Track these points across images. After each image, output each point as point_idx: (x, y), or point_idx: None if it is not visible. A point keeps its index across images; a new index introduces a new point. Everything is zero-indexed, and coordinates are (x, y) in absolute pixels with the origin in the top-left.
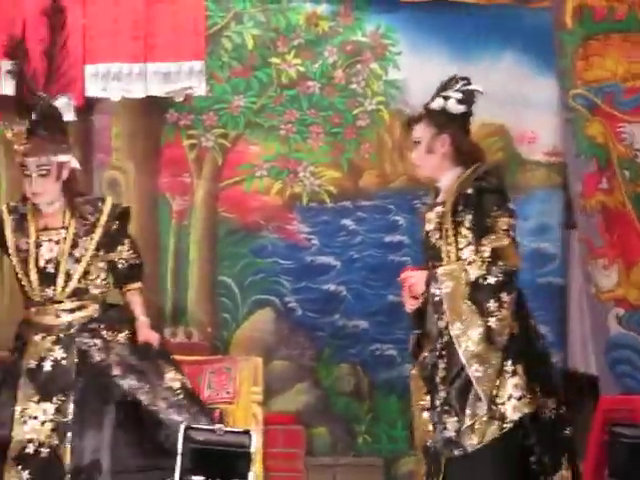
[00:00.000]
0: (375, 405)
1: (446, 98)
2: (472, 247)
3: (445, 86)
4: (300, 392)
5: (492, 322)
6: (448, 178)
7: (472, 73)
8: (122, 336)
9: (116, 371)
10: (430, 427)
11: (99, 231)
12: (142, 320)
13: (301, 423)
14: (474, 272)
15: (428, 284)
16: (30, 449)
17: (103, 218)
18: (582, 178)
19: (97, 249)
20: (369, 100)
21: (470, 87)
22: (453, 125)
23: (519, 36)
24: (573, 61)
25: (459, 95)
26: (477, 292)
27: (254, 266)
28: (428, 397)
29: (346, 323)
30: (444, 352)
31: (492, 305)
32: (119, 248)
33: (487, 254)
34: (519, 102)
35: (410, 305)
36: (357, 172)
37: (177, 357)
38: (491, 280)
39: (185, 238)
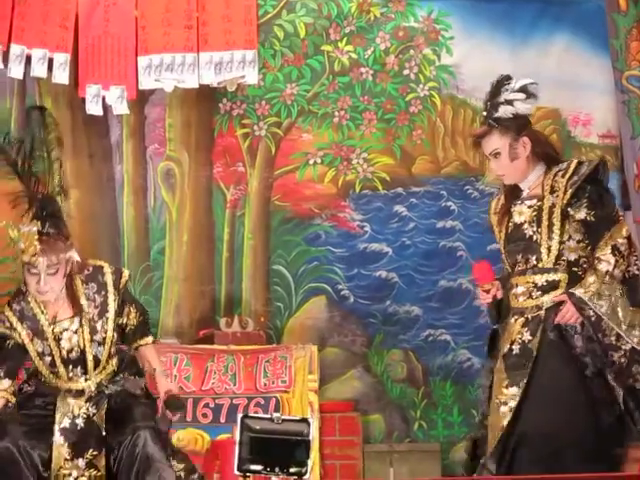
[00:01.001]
0: (430, 391)
1: (510, 102)
2: (576, 242)
3: (497, 92)
4: (353, 379)
5: None
6: (535, 175)
7: (525, 57)
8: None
9: (141, 441)
10: (505, 422)
11: (112, 310)
12: (159, 371)
13: (357, 410)
14: (615, 266)
15: (579, 309)
16: None
17: (111, 296)
18: (637, 160)
19: (113, 327)
20: (421, 86)
21: (524, 82)
22: (526, 125)
23: (572, 19)
24: (627, 42)
25: (521, 95)
26: (628, 282)
27: (307, 254)
28: (508, 391)
29: (398, 309)
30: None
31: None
32: (125, 313)
33: (623, 242)
34: (573, 85)
35: (483, 299)
36: (409, 158)
37: (233, 347)
38: (635, 270)
39: (239, 227)
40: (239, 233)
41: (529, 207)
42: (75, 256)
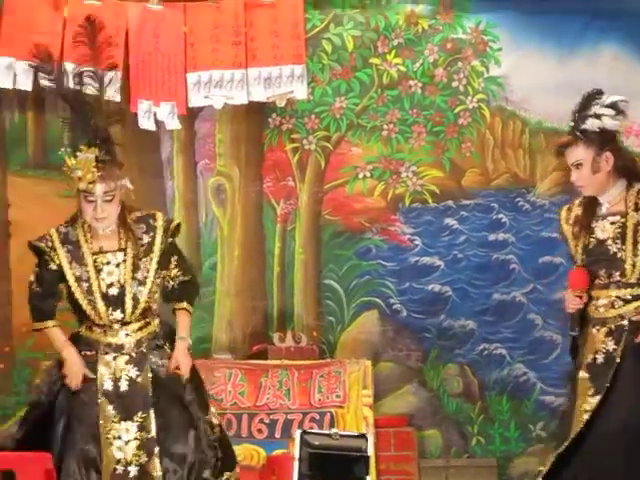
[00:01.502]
0: (486, 406)
1: (598, 117)
2: None
3: (587, 104)
4: (408, 394)
5: None
6: (616, 191)
7: (573, 67)
8: None
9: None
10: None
11: (157, 251)
12: (180, 342)
13: (412, 425)
14: None
15: None
16: (119, 470)
17: (158, 238)
18: None
19: (157, 268)
20: (470, 98)
21: (616, 99)
22: (611, 141)
23: (619, 28)
24: None
25: (611, 111)
26: None
27: (359, 268)
28: (594, 399)
29: (452, 323)
30: None
31: None
32: (170, 266)
33: None
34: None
35: (574, 305)
36: (459, 171)
37: (286, 362)
38: None
39: (290, 242)
40: (290, 247)
41: (612, 224)
42: (128, 184)
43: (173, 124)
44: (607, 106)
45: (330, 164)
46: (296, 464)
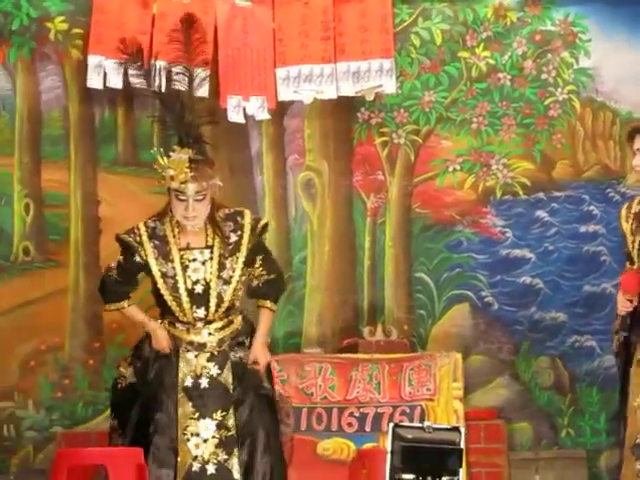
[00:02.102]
0: (577, 398)
1: None
2: None
3: None
4: (500, 386)
5: None
6: None
7: None
8: None
9: (264, 384)
10: None
11: (244, 251)
12: (259, 337)
13: (502, 418)
14: None
15: None
16: (196, 467)
17: (246, 237)
18: None
19: (242, 267)
20: (560, 89)
21: None
22: None
23: None
24: None
25: None
26: None
27: (450, 261)
28: None
29: (543, 316)
30: None
31: None
32: (256, 265)
33: None
34: None
35: (624, 308)
36: (550, 163)
37: (377, 356)
38: None
39: (380, 236)
40: (380, 241)
41: None
42: (218, 182)
43: (263, 115)
44: None
45: (420, 157)
46: (389, 457)
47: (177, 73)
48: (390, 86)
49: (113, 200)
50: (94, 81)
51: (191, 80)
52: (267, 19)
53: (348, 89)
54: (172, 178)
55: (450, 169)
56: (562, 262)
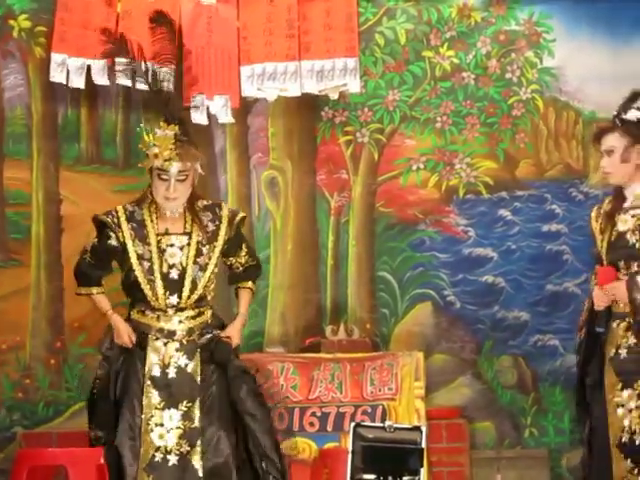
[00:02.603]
0: (540, 397)
1: None
2: None
3: (635, 97)
4: (462, 386)
5: None
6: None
7: (627, 57)
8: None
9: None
10: (626, 423)
11: (221, 241)
12: (241, 317)
13: (464, 417)
14: None
15: (630, 290)
16: (158, 457)
17: (223, 228)
18: None
19: (218, 257)
20: (524, 89)
21: None
22: None
23: None
24: None
25: None
26: None
27: (412, 260)
28: (623, 393)
29: (506, 315)
30: None
31: None
32: (237, 253)
33: None
34: None
35: (602, 302)
36: (513, 162)
37: (339, 355)
38: None
39: (344, 235)
40: (343, 240)
41: (632, 216)
42: (199, 168)
43: (226, 118)
44: None
45: (383, 156)
46: (350, 457)
47: (141, 71)
48: (354, 85)
49: (75, 198)
50: (57, 78)
51: (155, 78)
52: (232, 17)
53: (312, 87)
54: (156, 156)
55: (414, 168)
56: (525, 261)
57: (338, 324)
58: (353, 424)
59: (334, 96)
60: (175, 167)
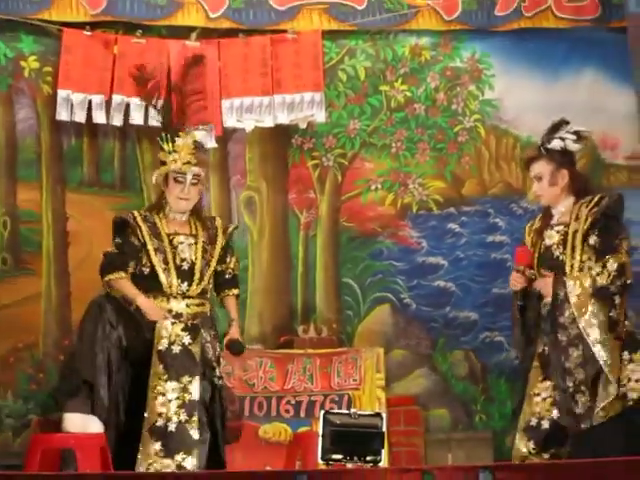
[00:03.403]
0: (488, 387)
1: (563, 139)
2: (593, 261)
3: (555, 128)
4: (419, 377)
5: (612, 315)
6: (565, 205)
7: (558, 89)
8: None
9: (217, 372)
10: (538, 409)
11: (219, 243)
12: (236, 321)
13: (420, 405)
14: (601, 281)
15: (554, 285)
16: (160, 422)
17: (220, 236)
18: None
19: (217, 259)
20: (468, 118)
21: (580, 129)
22: (569, 161)
23: (599, 54)
24: None
25: (574, 136)
26: (601, 296)
27: (372, 268)
28: (541, 384)
29: (457, 315)
30: (576, 341)
31: (610, 306)
32: (227, 260)
33: (613, 268)
34: (601, 112)
35: (517, 283)
36: (459, 182)
37: (310, 351)
38: (613, 289)
39: (312, 246)
40: (312, 251)
41: (557, 232)
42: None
43: (210, 144)
44: (572, 133)
45: (346, 178)
46: (320, 440)
47: (134, 106)
48: (320, 115)
49: (80, 217)
50: (63, 112)
51: (146, 113)
52: (214, 57)
53: (284, 118)
54: (175, 161)
55: (373, 188)
56: (472, 268)
57: (308, 324)
58: (323, 411)
59: (303, 125)
60: (191, 170)
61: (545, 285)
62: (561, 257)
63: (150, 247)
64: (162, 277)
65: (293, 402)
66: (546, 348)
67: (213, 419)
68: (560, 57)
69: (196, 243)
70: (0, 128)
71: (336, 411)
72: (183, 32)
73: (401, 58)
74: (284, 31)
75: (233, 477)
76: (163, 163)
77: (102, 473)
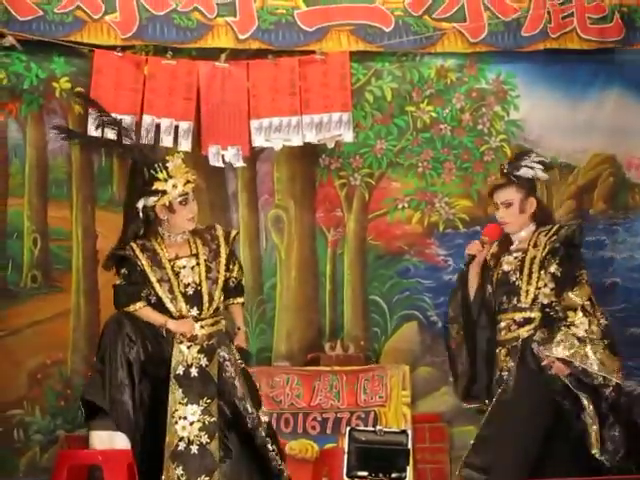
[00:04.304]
0: None
1: (532, 168)
2: (549, 290)
3: (521, 157)
4: (445, 394)
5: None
6: (526, 232)
7: (582, 110)
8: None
9: (239, 393)
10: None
11: (223, 256)
12: (243, 329)
13: (445, 421)
14: (593, 325)
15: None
16: (181, 446)
17: (222, 244)
18: None
19: (225, 270)
20: (493, 138)
21: (543, 159)
22: (535, 190)
23: (623, 75)
24: None
25: (540, 166)
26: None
27: (400, 286)
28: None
29: None
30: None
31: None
32: (231, 268)
33: (588, 303)
34: (626, 133)
35: (472, 247)
36: (485, 201)
37: (336, 368)
38: (595, 328)
39: (339, 264)
40: (339, 269)
41: (515, 258)
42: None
43: (239, 163)
44: (537, 162)
45: (373, 197)
46: (346, 457)
47: (164, 127)
48: (348, 135)
49: (109, 234)
50: (93, 132)
51: (176, 133)
52: (242, 78)
53: (312, 138)
54: (175, 186)
55: (399, 207)
56: None
57: (335, 341)
58: (348, 428)
59: (330, 145)
60: (190, 187)
61: (558, 368)
62: (517, 283)
63: (153, 279)
64: (170, 306)
65: (319, 419)
66: (503, 373)
67: (246, 439)
68: (584, 78)
69: (198, 264)
70: (32, 147)
71: (362, 428)
72: (213, 53)
73: (427, 80)
74: (312, 52)
75: None
76: (160, 192)
77: None
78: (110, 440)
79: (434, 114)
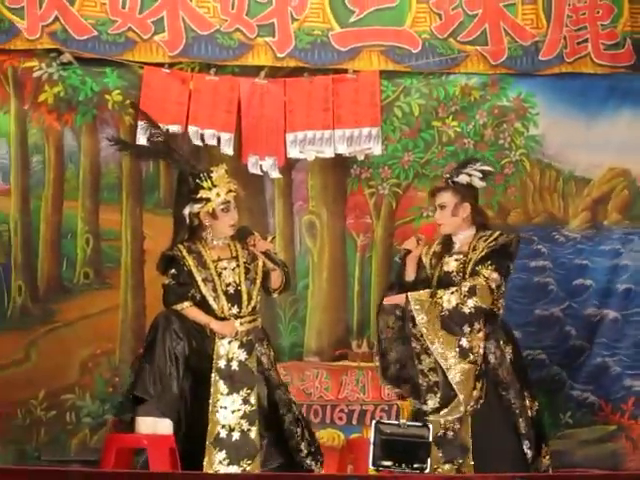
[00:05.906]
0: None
1: (470, 175)
2: None
3: (465, 164)
4: None
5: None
6: (465, 235)
7: (598, 127)
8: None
9: (274, 381)
10: None
11: (260, 258)
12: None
13: None
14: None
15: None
16: (223, 434)
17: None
18: None
19: (262, 271)
20: (514, 152)
21: (486, 168)
22: (472, 196)
23: (636, 96)
24: None
25: (479, 174)
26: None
27: None
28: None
29: None
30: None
31: (466, 329)
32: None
33: (465, 289)
34: (639, 148)
35: (407, 243)
36: (505, 211)
37: (362, 364)
38: (465, 310)
39: (367, 267)
40: (367, 271)
41: (456, 260)
42: None
43: (275, 174)
44: (478, 170)
45: (400, 205)
46: (371, 448)
47: (208, 137)
48: (377, 148)
49: (155, 236)
50: (142, 141)
51: (219, 142)
52: (280, 94)
53: (343, 150)
54: (218, 195)
55: (425, 215)
56: (515, 290)
57: (362, 339)
58: (374, 421)
59: (361, 157)
60: (232, 196)
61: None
62: (457, 282)
63: (198, 278)
64: (213, 304)
65: (346, 410)
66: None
67: (278, 423)
68: (599, 98)
69: (238, 266)
70: (86, 155)
71: (387, 421)
72: (253, 71)
73: (452, 97)
74: (345, 71)
75: (292, 479)
76: (204, 200)
77: (172, 472)
78: (154, 426)
79: (458, 129)
